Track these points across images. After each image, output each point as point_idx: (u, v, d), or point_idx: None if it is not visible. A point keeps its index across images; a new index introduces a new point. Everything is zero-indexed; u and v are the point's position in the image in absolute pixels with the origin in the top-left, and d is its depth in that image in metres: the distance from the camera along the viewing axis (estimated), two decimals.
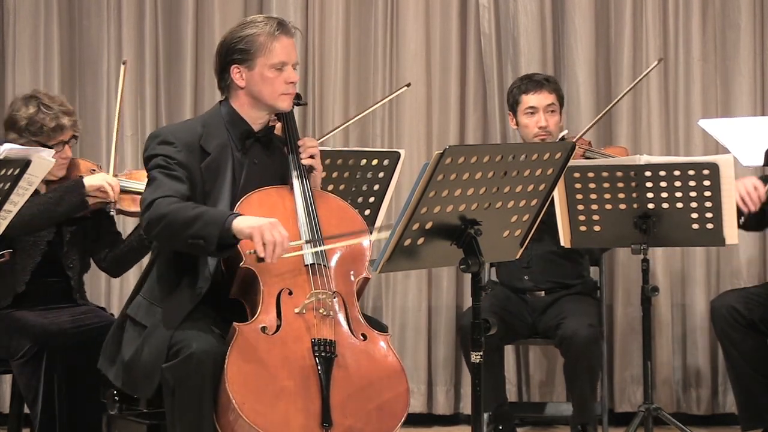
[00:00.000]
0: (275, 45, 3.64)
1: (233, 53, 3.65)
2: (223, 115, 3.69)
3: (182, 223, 3.40)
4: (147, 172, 3.62)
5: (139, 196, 4.23)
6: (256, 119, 3.71)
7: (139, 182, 4.30)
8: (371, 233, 3.80)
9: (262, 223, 3.37)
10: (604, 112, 5.29)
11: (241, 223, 3.37)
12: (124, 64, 4.58)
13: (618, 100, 5.29)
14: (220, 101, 3.75)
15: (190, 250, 3.46)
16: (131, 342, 3.58)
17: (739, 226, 4.46)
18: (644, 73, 5.29)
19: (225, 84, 3.72)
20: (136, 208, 4.29)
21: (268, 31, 3.64)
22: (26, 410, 4.29)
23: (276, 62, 3.63)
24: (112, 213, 4.29)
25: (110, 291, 5.77)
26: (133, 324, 3.62)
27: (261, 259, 3.36)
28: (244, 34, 3.65)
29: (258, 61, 3.63)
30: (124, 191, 4.32)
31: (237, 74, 3.66)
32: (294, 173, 3.68)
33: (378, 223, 4.38)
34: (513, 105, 5.06)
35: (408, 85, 5.23)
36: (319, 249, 3.54)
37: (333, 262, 3.61)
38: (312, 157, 3.72)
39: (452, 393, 5.74)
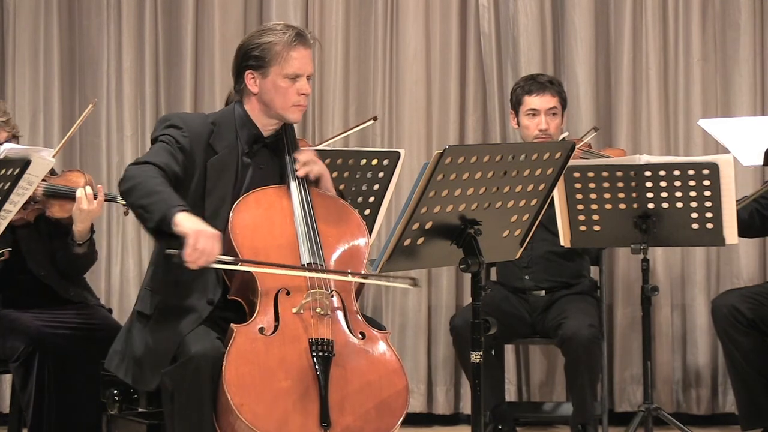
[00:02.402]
0: (291, 55, 3.62)
1: (249, 59, 3.64)
2: (236, 117, 3.68)
3: (143, 191, 3.39)
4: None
5: (69, 204, 4.19)
6: (266, 125, 3.70)
7: (69, 186, 4.21)
8: (369, 234, 3.81)
9: (204, 229, 3.32)
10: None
11: (184, 219, 3.31)
12: (93, 105, 4.41)
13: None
14: (235, 102, 3.74)
15: (136, 216, 3.45)
16: (140, 335, 3.58)
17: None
18: (583, 140, 5.09)
19: (239, 87, 3.71)
20: (64, 215, 4.23)
21: (286, 41, 3.62)
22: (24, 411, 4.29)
23: (290, 72, 3.62)
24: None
25: (110, 290, 5.78)
26: (140, 318, 3.62)
27: (181, 261, 3.29)
28: (261, 41, 3.64)
29: (272, 69, 3.62)
30: (51, 195, 4.22)
31: (251, 80, 3.65)
32: (290, 173, 3.67)
33: (378, 223, 4.38)
34: (515, 105, 5.07)
35: (375, 118, 5.11)
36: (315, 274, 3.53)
37: (331, 261, 3.60)
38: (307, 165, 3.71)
39: (452, 393, 5.74)
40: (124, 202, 4.11)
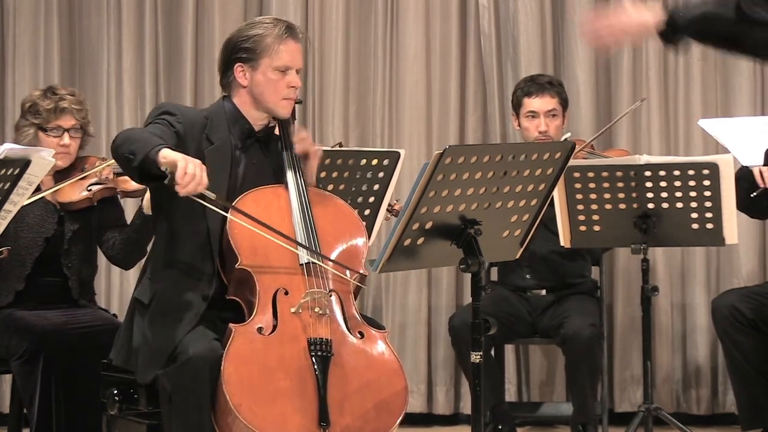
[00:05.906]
0: (281, 48, 3.63)
1: (239, 51, 3.65)
2: (226, 112, 3.69)
3: (132, 139, 3.38)
4: None
5: None
6: (256, 119, 3.70)
7: None
8: (369, 234, 3.81)
9: (192, 157, 3.32)
10: (604, 129, 5.32)
11: (170, 152, 3.30)
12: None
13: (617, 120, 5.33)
14: (223, 97, 3.74)
15: (123, 165, 3.43)
16: (139, 326, 3.58)
17: (742, 204, 4.47)
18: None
19: (227, 81, 3.71)
20: (139, 186, 4.23)
21: (276, 33, 3.64)
22: (26, 410, 4.29)
23: (280, 65, 3.63)
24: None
25: (110, 291, 5.78)
26: (141, 307, 3.61)
27: (173, 183, 3.26)
28: (251, 33, 3.65)
29: (263, 61, 3.63)
30: (123, 174, 4.24)
31: (240, 73, 3.66)
32: (289, 171, 3.67)
33: (378, 224, 4.37)
34: (516, 106, 5.07)
35: (340, 144, 5.06)
36: (312, 258, 3.53)
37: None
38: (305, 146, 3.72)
39: (452, 393, 5.74)
40: None
